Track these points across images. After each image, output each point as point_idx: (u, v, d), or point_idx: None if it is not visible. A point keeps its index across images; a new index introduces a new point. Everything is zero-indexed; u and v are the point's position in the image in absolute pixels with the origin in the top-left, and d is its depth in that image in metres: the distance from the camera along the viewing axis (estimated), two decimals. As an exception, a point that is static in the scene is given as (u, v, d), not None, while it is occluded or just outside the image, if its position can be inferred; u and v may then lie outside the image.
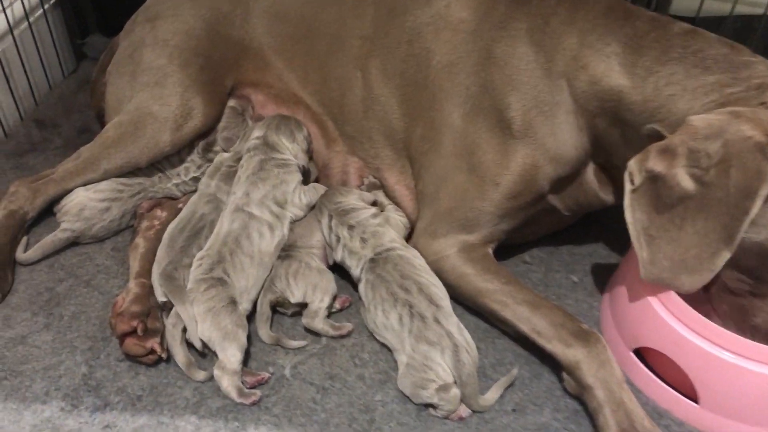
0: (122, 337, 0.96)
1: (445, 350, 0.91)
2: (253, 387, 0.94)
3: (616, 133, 0.98)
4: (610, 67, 0.95)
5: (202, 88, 1.22)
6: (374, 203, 1.15)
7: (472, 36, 1.08)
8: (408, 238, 1.13)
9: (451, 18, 1.11)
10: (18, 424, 0.90)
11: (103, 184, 1.18)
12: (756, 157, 0.79)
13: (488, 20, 1.07)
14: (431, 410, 0.92)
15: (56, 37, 1.67)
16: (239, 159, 1.18)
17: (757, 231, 0.82)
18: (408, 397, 0.94)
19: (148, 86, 1.21)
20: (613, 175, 1.05)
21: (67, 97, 1.62)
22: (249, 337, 0.97)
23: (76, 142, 1.36)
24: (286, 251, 1.08)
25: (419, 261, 1.04)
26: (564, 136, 1.00)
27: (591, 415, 0.90)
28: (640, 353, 0.97)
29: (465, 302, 1.06)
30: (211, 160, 1.24)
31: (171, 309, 0.98)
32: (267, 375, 0.96)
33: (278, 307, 1.06)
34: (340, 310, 1.07)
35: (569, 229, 1.20)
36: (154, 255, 1.07)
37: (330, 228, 1.09)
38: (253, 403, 0.92)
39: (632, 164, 0.88)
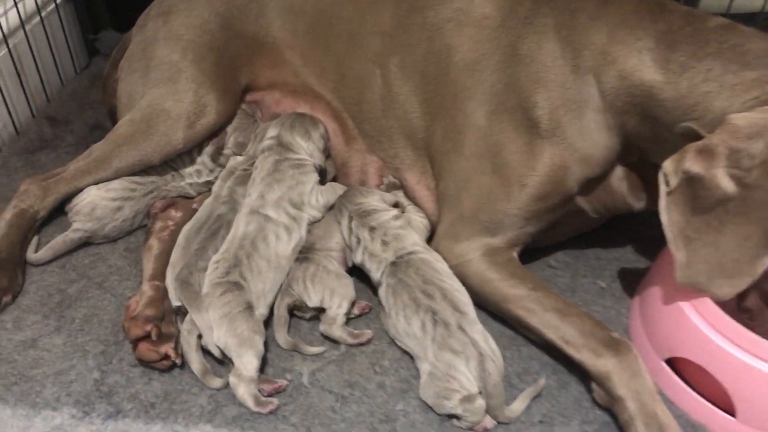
0: (135, 342, 0.94)
1: (470, 359, 0.88)
2: (270, 395, 0.92)
3: (647, 132, 0.94)
4: (641, 62, 0.91)
5: (216, 85, 1.20)
6: (395, 205, 1.12)
7: (496, 32, 1.05)
8: (429, 240, 1.10)
9: (475, 13, 1.08)
10: (28, 432, 0.87)
11: (115, 183, 1.16)
12: (803, 158, 0.76)
13: (513, 16, 1.04)
14: (455, 421, 0.89)
15: (68, 32, 1.65)
16: (253, 163, 1.16)
17: (801, 236, 0.79)
18: (430, 407, 0.91)
19: (161, 82, 1.19)
20: (643, 177, 1.02)
21: (79, 94, 1.60)
22: (266, 344, 0.95)
23: (89, 140, 1.35)
24: (304, 253, 1.05)
25: (442, 265, 1.01)
26: (593, 135, 0.97)
27: (622, 428, 0.87)
28: (672, 363, 0.94)
29: (489, 308, 1.03)
30: (223, 165, 1.22)
31: (186, 313, 0.96)
32: (284, 382, 0.93)
33: (296, 311, 1.03)
34: (359, 315, 1.04)
35: (595, 232, 1.17)
36: (169, 256, 1.05)
37: (350, 229, 1.06)
38: (270, 412, 0.89)
39: (667, 165, 0.85)
